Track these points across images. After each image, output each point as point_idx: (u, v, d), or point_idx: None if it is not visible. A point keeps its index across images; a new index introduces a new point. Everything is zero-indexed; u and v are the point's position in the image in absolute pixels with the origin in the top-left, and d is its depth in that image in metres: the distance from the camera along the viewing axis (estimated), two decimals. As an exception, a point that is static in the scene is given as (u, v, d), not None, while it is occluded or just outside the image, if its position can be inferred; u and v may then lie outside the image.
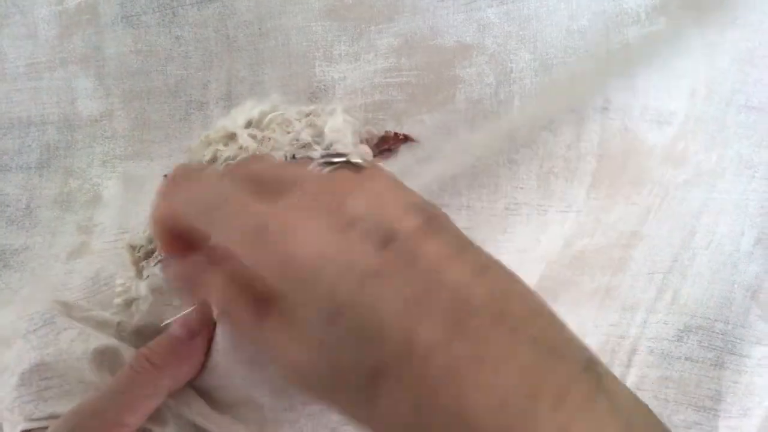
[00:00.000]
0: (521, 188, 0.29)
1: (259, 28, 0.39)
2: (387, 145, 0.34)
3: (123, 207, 0.39)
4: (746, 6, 0.31)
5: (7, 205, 0.42)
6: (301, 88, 0.38)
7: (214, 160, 0.36)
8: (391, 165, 0.33)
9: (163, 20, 0.41)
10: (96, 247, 0.38)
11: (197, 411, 0.28)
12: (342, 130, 0.34)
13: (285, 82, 0.38)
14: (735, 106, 0.32)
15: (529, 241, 0.30)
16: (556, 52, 0.33)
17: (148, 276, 0.34)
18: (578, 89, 0.32)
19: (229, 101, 0.40)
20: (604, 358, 0.35)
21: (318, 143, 0.34)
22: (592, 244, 0.32)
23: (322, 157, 0.22)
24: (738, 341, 0.37)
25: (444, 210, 0.29)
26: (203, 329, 0.28)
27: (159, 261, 0.34)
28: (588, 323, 0.35)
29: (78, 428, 0.25)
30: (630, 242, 0.34)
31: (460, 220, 0.29)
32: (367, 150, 0.33)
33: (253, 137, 0.35)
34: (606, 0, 0.33)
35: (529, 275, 0.31)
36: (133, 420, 0.26)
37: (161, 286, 0.34)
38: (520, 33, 0.34)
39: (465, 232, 0.29)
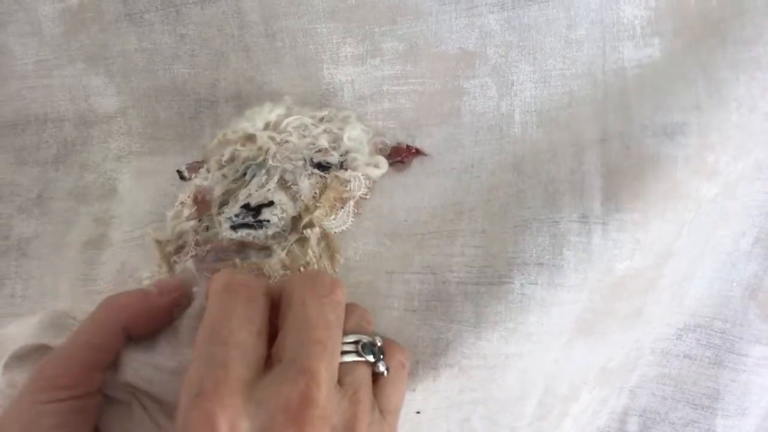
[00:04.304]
0: (528, 208, 0.31)
1: (265, 29, 0.39)
2: (399, 156, 0.35)
3: (136, 199, 0.40)
4: (735, 26, 0.31)
5: (18, 195, 0.43)
6: (309, 90, 0.39)
7: (232, 159, 0.38)
8: (404, 178, 0.36)
9: (166, 18, 0.41)
10: (115, 239, 0.39)
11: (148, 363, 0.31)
12: (359, 139, 0.36)
13: (293, 83, 0.39)
14: (760, 113, 0.31)
15: (544, 251, 0.30)
16: (555, 63, 0.34)
17: (182, 270, 0.36)
18: (576, 125, 0.33)
19: (240, 100, 0.40)
20: (622, 371, 0.36)
21: (335, 149, 0.36)
22: (632, 268, 0.32)
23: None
24: (737, 340, 0.37)
25: (459, 234, 0.32)
26: (174, 294, 0.32)
27: (192, 256, 0.37)
28: (618, 349, 0.35)
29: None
30: (663, 261, 0.33)
31: (474, 241, 0.32)
32: (382, 161, 0.35)
33: (272, 139, 0.37)
34: (604, 10, 0.33)
35: (571, 308, 0.32)
36: (99, 341, 0.29)
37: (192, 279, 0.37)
38: (521, 44, 0.35)
39: (477, 252, 0.31)
